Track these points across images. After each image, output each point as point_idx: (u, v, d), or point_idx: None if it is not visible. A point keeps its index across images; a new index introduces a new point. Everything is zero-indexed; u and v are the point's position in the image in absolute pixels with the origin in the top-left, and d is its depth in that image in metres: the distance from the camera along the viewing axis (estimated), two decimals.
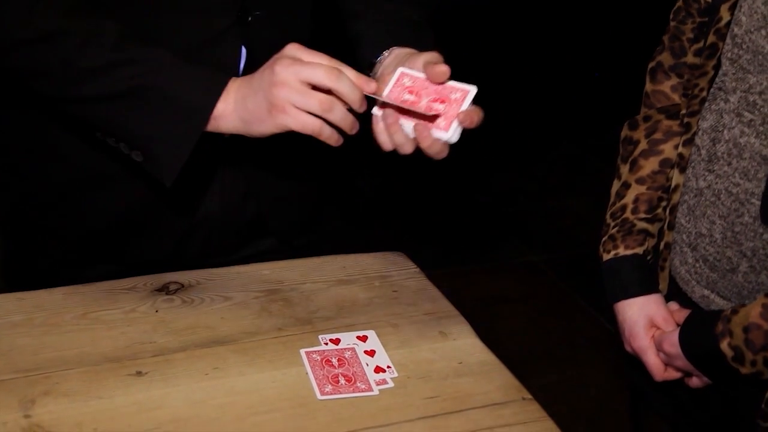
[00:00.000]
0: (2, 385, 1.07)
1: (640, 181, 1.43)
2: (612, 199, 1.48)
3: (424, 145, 1.13)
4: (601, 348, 3.03)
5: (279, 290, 1.31)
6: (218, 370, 1.13)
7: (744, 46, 1.26)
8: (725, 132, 1.30)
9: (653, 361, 1.37)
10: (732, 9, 1.28)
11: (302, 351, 1.18)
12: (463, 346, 1.24)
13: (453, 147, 1.15)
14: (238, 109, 1.11)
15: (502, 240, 3.66)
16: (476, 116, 1.13)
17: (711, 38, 1.31)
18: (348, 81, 1.08)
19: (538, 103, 4.63)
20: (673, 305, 1.39)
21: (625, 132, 1.48)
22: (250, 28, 1.26)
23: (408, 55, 1.21)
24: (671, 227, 1.40)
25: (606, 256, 1.44)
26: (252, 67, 1.17)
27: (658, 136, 1.43)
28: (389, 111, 1.14)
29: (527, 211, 3.90)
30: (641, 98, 1.49)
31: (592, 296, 3.29)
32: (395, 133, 1.14)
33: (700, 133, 1.35)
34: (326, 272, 1.37)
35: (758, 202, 1.26)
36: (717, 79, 1.32)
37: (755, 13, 1.24)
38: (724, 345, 1.24)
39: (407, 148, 1.14)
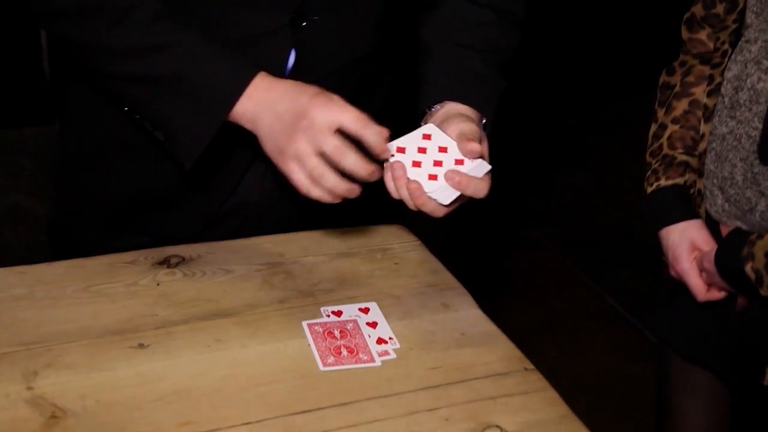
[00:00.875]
0: (5, 358, 1.07)
1: (674, 121, 1.49)
2: (650, 141, 1.52)
3: (417, 203, 1.15)
4: (602, 322, 3.04)
5: (280, 263, 1.31)
6: (220, 343, 1.13)
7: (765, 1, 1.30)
8: (747, 80, 1.34)
9: (695, 282, 1.41)
10: None
11: (304, 323, 1.18)
12: (465, 317, 1.24)
13: None
14: (254, 120, 1.12)
15: (503, 214, 3.66)
16: (472, 184, 1.15)
17: None
18: (354, 162, 1.09)
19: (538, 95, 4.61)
20: (724, 228, 1.42)
21: (663, 78, 1.54)
22: (303, 31, 1.24)
23: (456, 116, 1.21)
24: (701, 175, 1.43)
25: (649, 189, 1.49)
26: (298, 70, 1.18)
27: (690, 79, 1.48)
28: (398, 164, 1.16)
29: (528, 187, 3.89)
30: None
31: (593, 270, 3.30)
32: (401, 188, 1.16)
33: (725, 83, 1.38)
34: (327, 245, 1.37)
35: None
36: (744, 32, 1.36)
37: None
38: (748, 268, 1.27)
39: (410, 205, 1.16)
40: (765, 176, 1.31)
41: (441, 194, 1.15)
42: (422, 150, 1.16)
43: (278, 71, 1.21)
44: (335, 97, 1.10)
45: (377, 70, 1.42)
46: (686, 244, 1.42)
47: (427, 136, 1.17)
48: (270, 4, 1.22)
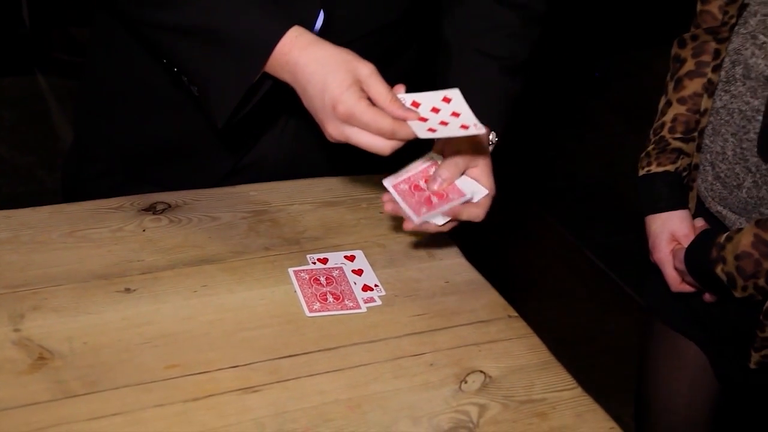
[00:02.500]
0: None
1: (681, 101, 1.47)
2: (657, 115, 1.52)
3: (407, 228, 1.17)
4: (583, 277, 3.07)
5: (266, 211, 1.31)
6: (207, 288, 1.14)
7: None
8: (743, 54, 1.33)
9: (670, 273, 1.43)
10: None
11: (290, 270, 1.19)
12: (450, 266, 1.25)
13: None
14: (293, 73, 1.09)
15: None
16: (465, 211, 1.17)
17: None
18: (399, 143, 1.07)
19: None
20: (699, 221, 1.45)
21: (674, 50, 1.51)
22: None
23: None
24: (699, 149, 1.44)
25: (640, 172, 1.50)
26: (326, 32, 1.15)
27: (705, 58, 1.45)
28: (390, 202, 1.18)
29: (511, 145, 3.89)
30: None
31: (576, 227, 3.32)
32: (398, 211, 1.17)
33: (726, 57, 1.38)
34: (313, 194, 1.37)
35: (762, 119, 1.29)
36: (749, 4, 1.34)
37: None
38: (719, 270, 1.28)
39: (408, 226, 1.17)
40: (753, 152, 1.32)
41: (435, 218, 1.18)
42: (435, 110, 1.12)
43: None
44: (356, 97, 1.06)
45: (405, 36, 1.40)
46: (666, 234, 1.43)
47: (447, 100, 1.15)
48: None
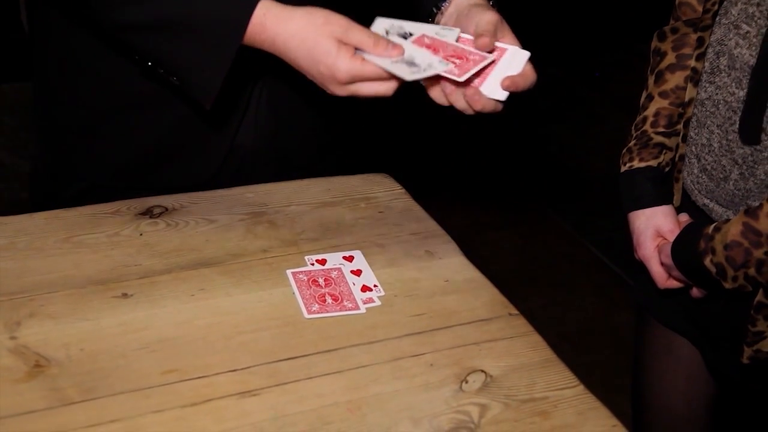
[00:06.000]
0: None
1: (663, 95, 1.45)
2: (639, 110, 1.50)
3: (476, 107, 1.14)
4: (587, 272, 3.06)
5: (264, 213, 1.31)
6: (204, 291, 1.13)
7: None
8: (727, 45, 1.32)
9: (656, 270, 1.42)
10: None
11: (288, 271, 1.18)
12: (449, 265, 1.24)
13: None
14: (274, 44, 1.11)
15: (487, 167, 3.66)
16: (521, 81, 1.14)
17: None
18: (392, 85, 1.09)
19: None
20: (683, 216, 1.43)
21: (654, 43, 1.49)
22: None
23: (468, 8, 1.20)
24: (684, 140, 1.43)
25: (622, 168, 1.48)
26: None
27: (686, 50, 1.44)
28: (447, 81, 1.14)
29: (512, 138, 3.89)
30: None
31: (577, 221, 3.31)
32: (456, 100, 1.15)
33: (708, 47, 1.36)
34: (311, 194, 1.36)
35: None
36: None
37: None
38: (707, 261, 1.26)
39: (468, 111, 1.16)
40: (739, 144, 1.31)
41: (497, 92, 1.14)
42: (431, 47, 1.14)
43: None
44: (348, 57, 1.08)
45: None
46: (651, 231, 1.42)
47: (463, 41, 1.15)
48: None
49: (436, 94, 1.16)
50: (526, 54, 1.15)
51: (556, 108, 4.14)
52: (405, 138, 3.75)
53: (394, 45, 1.09)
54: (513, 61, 1.14)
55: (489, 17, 1.17)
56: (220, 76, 1.13)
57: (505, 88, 1.13)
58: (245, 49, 1.13)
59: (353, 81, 1.08)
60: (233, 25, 1.10)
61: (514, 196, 3.49)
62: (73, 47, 1.31)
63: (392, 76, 1.08)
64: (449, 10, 1.23)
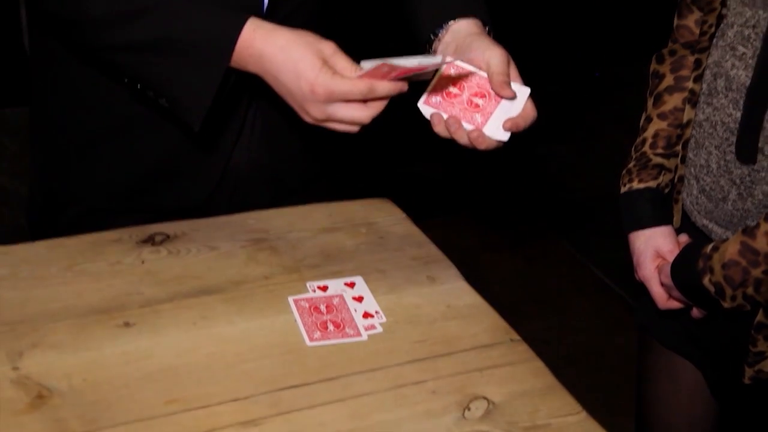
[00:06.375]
0: None
1: (661, 116, 1.46)
2: (639, 131, 1.51)
3: (481, 147, 1.17)
4: (590, 293, 3.05)
5: (265, 239, 1.31)
6: (206, 320, 1.13)
7: None
8: (724, 66, 1.33)
9: (657, 290, 1.42)
10: None
11: (290, 298, 1.18)
12: (450, 290, 1.24)
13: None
14: (264, 70, 1.12)
15: (488, 188, 3.66)
16: (522, 121, 1.17)
17: None
18: (377, 108, 1.09)
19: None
20: (683, 237, 1.44)
21: (653, 66, 1.51)
22: None
23: (466, 36, 1.21)
24: (684, 161, 1.43)
25: (622, 189, 1.49)
26: (274, 9, 1.18)
27: (684, 72, 1.45)
28: (454, 119, 1.17)
29: (513, 159, 3.89)
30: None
31: (580, 241, 3.31)
32: (460, 138, 1.17)
33: (706, 69, 1.38)
34: (312, 220, 1.37)
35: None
36: (726, 15, 1.34)
37: None
38: (706, 281, 1.27)
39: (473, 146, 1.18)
40: (736, 164, 1.32)
41: (499, 133, 1.16)
42: (458, 86, 1.16)
43: (256, 12, 1.19)
44: (330, 74, 1.09)
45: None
46: (651, 251, 1.43)
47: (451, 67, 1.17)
48: None
49: (440, 129, 1.17)
50: (527, 91, 1.17)
51: (556, 127, 4.15)
52: (404, 159, 3.75)
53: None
54: (515, 99, 1.17)
55: (500, 55, 1.17)
56: (209, 95, 1.13)
57: (506, 130, 1.16)
58: (237, 72, 1.14)
59: (330, 98, 1.08)
60: (222, 42, 1.11)
61: (515, 217, 3.49)
62: (68, 71, 1.32)
63: (369, 101, 1.08)
64: (446, 38, 1.24)
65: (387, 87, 1.08)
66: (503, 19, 1.28)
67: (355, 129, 1.12)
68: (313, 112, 1.10)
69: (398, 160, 3.72)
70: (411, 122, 1.26)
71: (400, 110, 1.18)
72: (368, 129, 1.13)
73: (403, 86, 1.08)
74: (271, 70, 1.11)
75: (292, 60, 1.09)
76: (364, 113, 1.10)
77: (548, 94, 4.37)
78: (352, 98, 1.08)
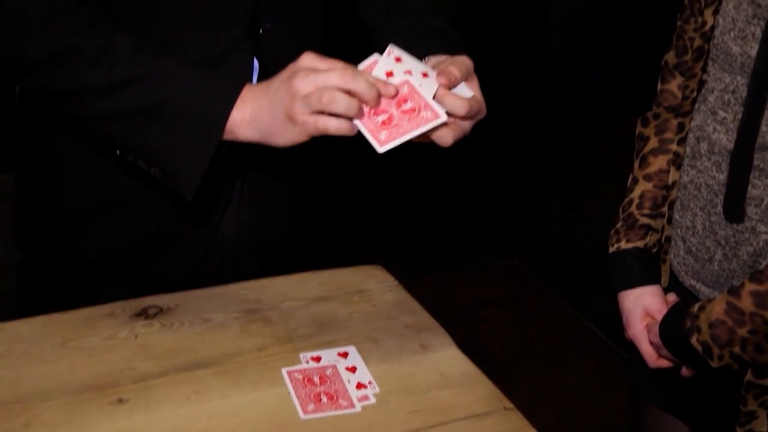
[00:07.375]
0: None
1: (647, 178, 1.49)
2: (626, 192, 1.54)
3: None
4: (586, 348, 3.05)
5: (258, 309, 1.32)
6: (200, 394, 1.13)
7: (719, 47, 1.32)
8: (706, 131, 1.36)
9: (646, 349, 1.43)
10: (715, 13, 1.34)
11: (284, 370, 1.18)
12: (443, 358, 1.24)
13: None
14: (255, 120, 1.10)
15: (481, 243, 3.68)
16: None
17: (697, 41, 1.38)
18: (364, 80, 1.05)
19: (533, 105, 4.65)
20: (671, 296, 1.45)
21: (638, 129, 1.54)
22: (261, 40, 1.26)
23: (441, 63, 1.18)
24: (670, 221, 1.45)
25: (611, 249, 1.50)
26: (265, 79, 1.17)
27: (668, 135, 1.48)
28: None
29: (505, 214, 3.91)
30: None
31: (574, 297, 3.31)
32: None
33: (689, 132, 1.40)
34: (305, 289, 1.37)
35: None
36: (706, 80, 1.38)
37: (727, 16, 1.30)
38: (694, 340, 1.29)
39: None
40: (722, 225, 1.34)
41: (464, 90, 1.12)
42: (389, 74, 1.11)
43: (245, 83, 1.20)
44: (314, 62, 1.07)
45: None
46: (639, 310, 1.44)
47: (398, 59, 1.12)
48: (225, 18, 1.23)
49: (438, 136, 1.11)
50: (469, 93, 1.13)
51: (546, 181, 4.19)
52: (394, 218, 3.77)
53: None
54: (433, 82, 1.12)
55: (465, 59, 1.15)
56: (203, 162, 1.11)
57: (443, 86, 1.10)
58: (227, 144, 1.13)
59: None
60: (217, 109, 1.10)
61: (509, 273, 3.50)
62: (55, 145, 1.32)
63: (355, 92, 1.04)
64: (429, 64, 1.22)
65: (371, 79, 1.06)
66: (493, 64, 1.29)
67: (352, 111, 1.05)
68: (297, 114, 1.05)
69: (388, 219, 3.74)
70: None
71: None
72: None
73: (390, 88, 1.07)
74: (255, 99, 1.09)
75: (268, 81, 1.10)
76: (350, 102, 1.04)
77: (539, 151, 4.44)
78: (336, 69, 1.05)
